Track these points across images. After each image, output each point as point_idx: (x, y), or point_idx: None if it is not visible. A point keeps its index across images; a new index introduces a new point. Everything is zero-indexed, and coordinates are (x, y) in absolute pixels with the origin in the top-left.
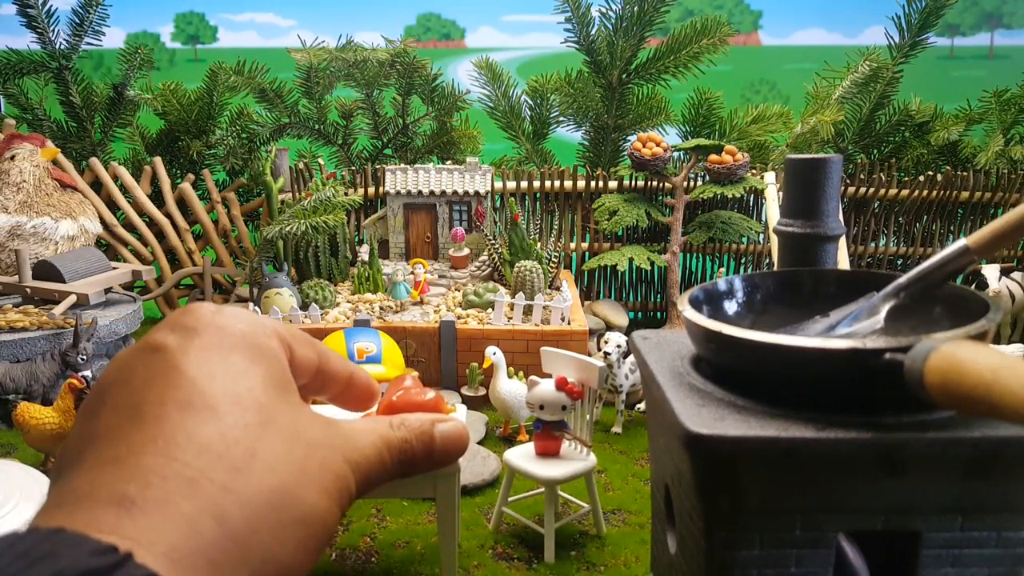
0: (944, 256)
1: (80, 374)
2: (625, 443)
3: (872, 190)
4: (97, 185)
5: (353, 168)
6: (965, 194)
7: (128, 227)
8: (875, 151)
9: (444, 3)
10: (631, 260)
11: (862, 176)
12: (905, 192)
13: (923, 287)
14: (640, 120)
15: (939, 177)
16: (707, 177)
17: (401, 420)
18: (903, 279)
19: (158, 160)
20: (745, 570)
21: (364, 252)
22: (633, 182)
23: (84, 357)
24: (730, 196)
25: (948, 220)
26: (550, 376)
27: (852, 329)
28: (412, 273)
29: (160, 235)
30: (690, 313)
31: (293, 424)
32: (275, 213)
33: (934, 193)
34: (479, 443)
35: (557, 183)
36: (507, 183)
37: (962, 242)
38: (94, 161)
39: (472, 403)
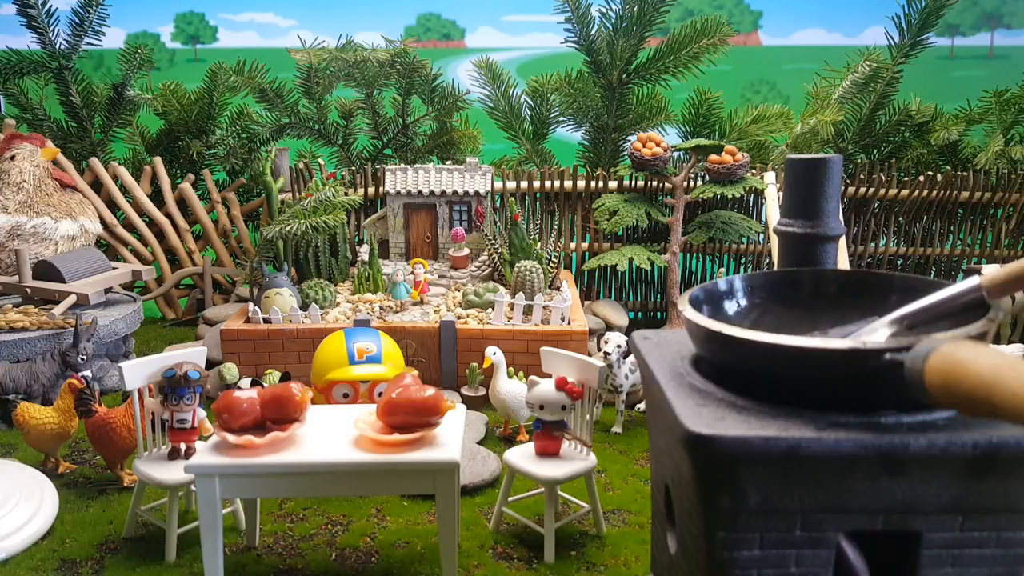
0: (954, 292)
1: (80, 374)
2: (625, 443)
3: (872, 190)
4: (97, 185)
5: (353, 168)
6: (965, 194)
7: (128, 227)
8: (875, 151)
9: (444, 3)
10: (631, 260)
11: (862, 176)
12: (905, 192)
13: (927, 318)
14: (640, 120)
15: (939, 177)
16: (707, 177)
17: None
18: (907, 309)
19: (158, 160)
20: (745, 570)
21: (364, 252)
22: (633, 182)
23: (84, 357)
24: (730, 196)
25: (948, 220)
26: (550, 376)
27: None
28: (412, 273)
29: (160, 235)
30: (690, 313)
31: None
32: (275, 213)
33: (934, 193)
34: (479, 443)
35: (557, 183)
36: (507, 183)
37: (975, 281)
38: (94, 161)
39: (472, 403)
